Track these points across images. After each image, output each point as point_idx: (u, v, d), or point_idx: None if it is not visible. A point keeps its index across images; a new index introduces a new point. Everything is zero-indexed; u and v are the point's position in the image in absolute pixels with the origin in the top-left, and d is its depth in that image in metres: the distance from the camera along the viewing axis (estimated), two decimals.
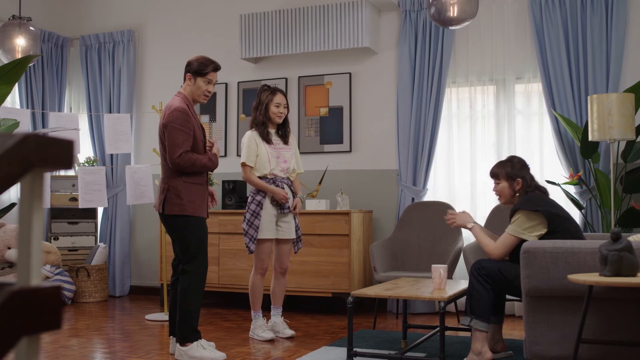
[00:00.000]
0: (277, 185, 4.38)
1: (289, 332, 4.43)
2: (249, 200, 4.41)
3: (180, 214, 3.74)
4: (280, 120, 4.45)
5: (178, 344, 3.76)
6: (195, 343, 3.72)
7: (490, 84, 5.51)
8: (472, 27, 5.46)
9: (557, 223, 3.33)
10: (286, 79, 6.13)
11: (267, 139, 4.39)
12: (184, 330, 3.74)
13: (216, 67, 3.91)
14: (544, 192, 3.50)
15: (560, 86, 5.16)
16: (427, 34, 5.57)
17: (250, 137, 4.41)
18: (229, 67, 6.34)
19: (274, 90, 4.46)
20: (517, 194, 3.46)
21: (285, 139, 4.49)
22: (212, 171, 3.99)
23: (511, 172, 3.45)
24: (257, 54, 5.97)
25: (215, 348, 3.85)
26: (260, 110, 4.44)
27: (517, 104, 5.45)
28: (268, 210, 4.35)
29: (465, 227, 3.58)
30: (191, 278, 3.76)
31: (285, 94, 4.51)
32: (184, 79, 3.91)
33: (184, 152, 3.71)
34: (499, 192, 3.52)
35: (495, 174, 3.50)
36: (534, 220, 3.33)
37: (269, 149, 4.39)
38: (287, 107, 4.50)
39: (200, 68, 3.86)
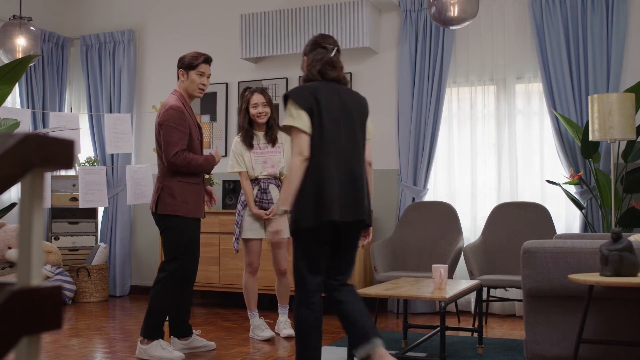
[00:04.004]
0: (261, 187, 4.39)
1: (287, 332, 4.42)
2: (238, 200, 4.50)
3: (172, 214, 3.74)
4: (261, 120, 4.39)
5: (139, 342, 3.77)
6: (155, 342, 3.73)
7: (490, 84, 5.51)
8: (473, 27, 5.46)
9: (314, 128, 2.89)
10: (286, 79, 6.13)
11: (250, 143, 4.38)
12: (148, 326, 3.74)
13: (207, 59, 3.92)
14: (328, 78, 2.99)
15: (561, 86, 5.16)
16: (428, 34, 5.57)
17: (236, 142, 4.46)
18: (229, 67, 6.35)
19: (252, 91, 4.43)
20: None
21: (273, 142, 4.44)
22: (208, 173, 3.96)
23: (306, 49, 3.08)
24: (258, 54, 5.97)
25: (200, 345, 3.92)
26: (242, 114, 4.45)
27: (517, 104, 5.45)
28: (248, 212, 4.42)
29: (281, 216, 2.91)
30: (168, 277, 3.74)
31: (263, 92, 4.41)
32: (177, 77, 3.93)
33: (180, 151, 3.70)
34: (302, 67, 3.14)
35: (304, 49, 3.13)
36: (301, 114, 2.88)
37: (252, 155, 4.38)
38: (270, 105, 4.41)
39: (191, 62, 3.86)
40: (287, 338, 4.38)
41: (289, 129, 2.91)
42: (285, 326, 4.47)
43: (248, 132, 4.41)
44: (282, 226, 2.94)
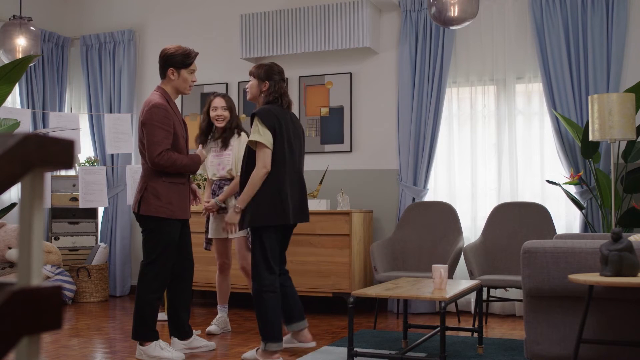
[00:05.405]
0: (212, 189, 4.56)
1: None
2: None
3: (155, 215, 3.68)
4: (219, 124, 4.49)
5: (138, 344, 3.77)
6: (154, 343, 3.73)
7: (490, 84, 5.51)
8: (473, 27, 5.46)
9: (275, 144, 3.58)
10: (287, 79, 6.11)
11: (202, 141, 4.53)
12: (136, 329, 3.73)
13: (196, 54, 3.87)
14: (286, 105, 3.72)
15: (561, 86, 5.16)
16: (428, 34, 5.57)
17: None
18: (229, 67, 6.35)
19: (215, 95, 4.56)
20: (262, 95, 3.75)
21: (224, 145, 4.50)
22: (193, 173, 3.91)
23: (263, 75, 3.72)
24: (258, 54, 5.97)
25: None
26: (203, 115, 4.61)
27: (517, 104, 5.45)
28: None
29: (236, 213, 3.64)
30: (149, 278, 3.72)
31: (225, 97, 4.53)
32: (163, 75, 3.82)
33: (164, 150, 3.63)
34: (249, 88, 3.80)
35: (251, 71, 3.80)
36: (266, 132, 3.56)
37: (211, 157, 4.53)
38: (230, 110, 4.52)
39: (184, 60, 3.78)
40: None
41: (254, 144, 3.56)
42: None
43: (207, 133, 4.58)
44: (234, 220, 3.67)
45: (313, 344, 3.94)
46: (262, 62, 6.21)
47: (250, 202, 3.56)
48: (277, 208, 3.55)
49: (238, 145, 4.50)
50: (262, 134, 3.53)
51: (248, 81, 6.22)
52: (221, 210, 4.48)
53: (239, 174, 4.39)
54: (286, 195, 3.58)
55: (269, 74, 3.73)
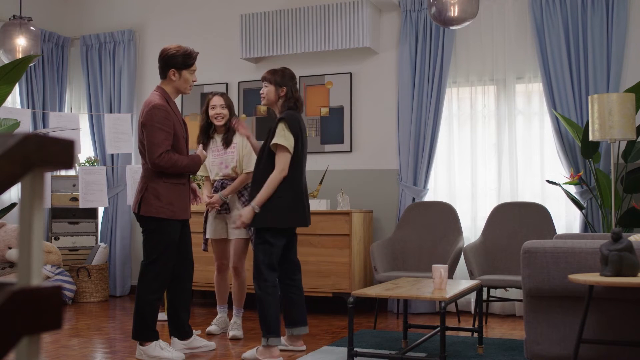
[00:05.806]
0: (215, 188, 4.53)
1: (233, 333, 4.42)
2: None
3: (156, 216, 3.68)
4: (218, 122, 4.49)
5: (138, 344, 3.77)
6: (154, 343, 3.73)
7: (490, 84, 5.51)
8: (473, 27, 5.46)
9: (296, 150, 3.74)
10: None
11: (202, 141, 4.54)
12: (136, 329, 3.73)
13: (197, 54, 3.87)
14: (299, 106, 3.87)
15: (561, 86, 5.16)
16: (428, 34, 5.57)
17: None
18: (230, 67, 6.35)
19: (213, 94, 4.56)
20: (280, 100, 3.85)
21: (228, 144, 4.50)
22: (193, 174, 3.90)
23: (280, 81, 3.83)
24: (258, 54, 5.97)
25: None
26: (202, 115, 4.61)
27: (517, 104, 5.45)
28: (211, 212, 4.55)
29: (253, 213, 3.70)
30: (149, 278, 3.71)
31: (223, 96, 4.53)
32: (164, 75, 3.81)
33: (164, 152, 3.62)
34: (265, 94, 3.87)
35: (266, 77, 3.88)
36: (290, 137, 3.71)
37: (211, 156, 4.53)
38: (229, 109, 4.52)
39: (186, 60, 3.77)
40: (232, 339, 4.37)
41: (275, 146, 3.70)
42: (236, 327, 4.43)
43: (207, 132, 4.56)
44: (249, 219, 3.69)
45: (304, 347, 4.02)
46: (263, 62, 6.24)
47: (270, 204, 3.67)
48: (298, 211, 3.76)
49: (241, 142, 4.50)
50: (286, 139, 3.69)
51: (248, 81, 6.29)
52: (223, 209, 4.45)
53: (245, 171, 4.42)
54: (302, 200, 3.79)
55: (285, 79, 3.86)
